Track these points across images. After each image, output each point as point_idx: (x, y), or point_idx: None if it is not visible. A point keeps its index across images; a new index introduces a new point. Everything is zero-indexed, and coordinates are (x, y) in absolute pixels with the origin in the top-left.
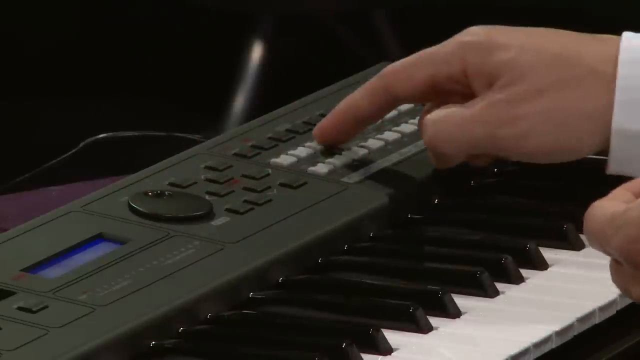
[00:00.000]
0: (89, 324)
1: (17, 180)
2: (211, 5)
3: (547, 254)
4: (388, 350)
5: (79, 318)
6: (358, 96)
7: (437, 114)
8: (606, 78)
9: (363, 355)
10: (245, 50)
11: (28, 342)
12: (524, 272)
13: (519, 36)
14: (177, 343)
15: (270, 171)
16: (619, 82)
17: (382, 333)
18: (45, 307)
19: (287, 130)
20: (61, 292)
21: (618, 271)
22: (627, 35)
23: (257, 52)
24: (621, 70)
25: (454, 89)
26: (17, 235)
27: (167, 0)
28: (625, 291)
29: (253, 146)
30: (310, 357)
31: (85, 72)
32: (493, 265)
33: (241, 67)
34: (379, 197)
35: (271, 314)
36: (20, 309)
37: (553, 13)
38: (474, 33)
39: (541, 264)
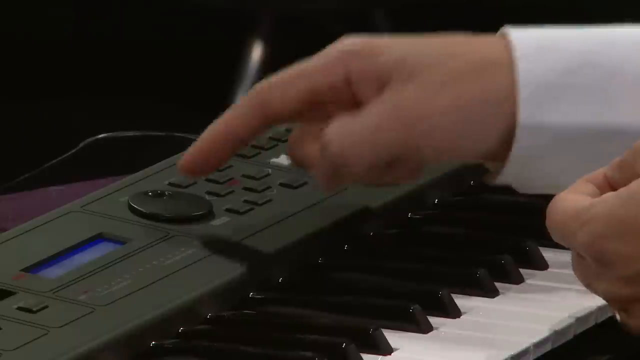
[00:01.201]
0: (89, 324)
1: (17, 180)
2: (211, 4)
3: (547, 254)
4: (388, 350)
5: (79, 318)
6: (229, 118)
7: (337, 130)
8: (503, 68)
9: (363, 355)
10: (245, 50)
11: (28, 342)
12: (524, 272)
13: (400, 41)
14: (177, 343)
15: (270, 171)
16: (521, 77)
17: (382, 333)
18: (45, 307)
19: (287, 130)
20: (61, 292)
21: (581, 265)
22: (508, 30)
23: (257, 52)
24: (520, 64)
25: (334, 101)
26: (17, 235)
27: (167, 0)
28: (588, 286)
29: (253, 146)
30: (310, 357)
31: (85, 72)
32: (493, 265)
33: (241, 67)
34: (378, 198)
35: (271, 314)
36: (20, 309)
37: (552, 12)
38: (352, 41)
39: (541, 264)
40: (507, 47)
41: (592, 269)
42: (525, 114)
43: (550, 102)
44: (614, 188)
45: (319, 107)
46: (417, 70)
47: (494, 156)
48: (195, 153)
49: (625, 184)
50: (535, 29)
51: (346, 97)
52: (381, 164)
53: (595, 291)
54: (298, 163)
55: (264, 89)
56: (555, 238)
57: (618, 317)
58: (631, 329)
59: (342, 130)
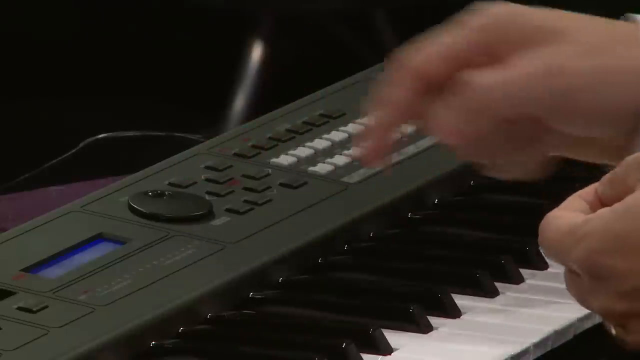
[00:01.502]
0: (89, 324)
1: (17, 180)
2: (211, 5)
3: None
4: (388, 350)
5: (79, 318)
6: (390, 97)
7: (484, 73)
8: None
9: (363, 355)
10: (245, 50)
11: (28, 342)
12: (524, 272)
13: (539, 10)
14: (177, 343)
15: (270, 171)
16: None
17: (382, 333)
18: (45, 307)
19: (287, 130)
20: (61, 292)
21: (575, 282)
22: (632, 15)
23: (257, 52)
24: None
25: (475, 60)
26: (17, 235)
27: (167, 0)
28: (582, 302)
29: (253, 146)
30: (310, 357)
31: (85, 72)
32: (493, 265)
33: (241, 67)
34: (379, 197)
35: (271, 314)
36: (20, 309)
37: None
38: (499, 3)
39: (541, 264)
40: (638, 27)
41: (587, 285)
42: None
43: None
44: (604, 204)
45: (461, 65)
46: (561, 35)
47: (624, 131)
48: (372, 142)
49: (616, 200)
50: None
51: (488, 56)
52: (523, 111)
53: (591, 307)
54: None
55: (418, 59)
56: (549, 256)
57: (614, 332)
58: (628, 345)
59: (489, 74)
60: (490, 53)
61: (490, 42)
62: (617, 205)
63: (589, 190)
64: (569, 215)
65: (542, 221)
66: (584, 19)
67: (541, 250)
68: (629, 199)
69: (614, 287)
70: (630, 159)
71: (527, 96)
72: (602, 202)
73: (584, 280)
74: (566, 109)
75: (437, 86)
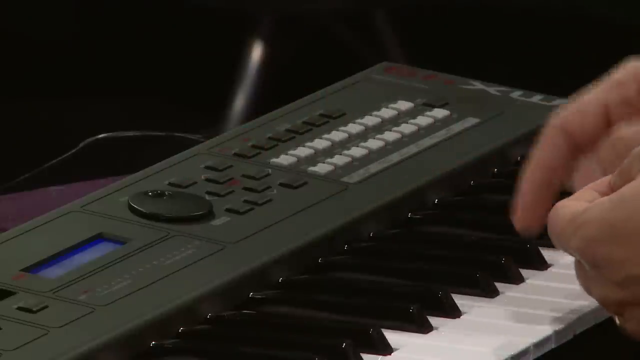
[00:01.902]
0: (89, 324)
1: (17, 180)
2: (211, 5)
3: (547, 254)
4: (388, 350)
5: (79, 318)
6: (540, 159)
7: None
8: None
9: (363, 355)
10: (245, 50)
11: (28, 342)
12: (524, 272)
13: None
14: (177, 343)
15: (270, 171)
16: None
17: (382, 333)
18: (45, 307)
19: (287, 130)
20: (61, 292)
21: (581, 270)
22: None
23: (257, 52)
24: None
25: (627, 115)
26: (17, 235)
27: (167, 0)
28: (587, 290)
29: (253, 146)
30: (310, 357)
31: (85, 72)
32: (493, 265)
33: (241, 67)
34: (379, 197)
35: (271, 314)
36: (20, 309)
37: (553, 14)
38: None
39: (541, 264)
40: None
41: (589, 274)
42: None
43: None
44: None
45: (612, 121)
46: None
47: None
48: (526, 206)
49: (620, 178)
50: None
51: (636, 110)
52: None
53: (593, 295)
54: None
55: (563, 117)
56: (557, 246)
57: (617, 321)
58: (628, 333)
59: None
60: (632, 107)
61: (630, 96)
62: (614, 195)
63: (603, 181)
64: (574, 204)
65: (551, 211)
66: None
67: (550, 239)
68: (625, 189)
69: (609, 275)
70: (637, 149)
71: None
72: (613, 192)
73: (586, 269)
74: None
75: (586, 144)
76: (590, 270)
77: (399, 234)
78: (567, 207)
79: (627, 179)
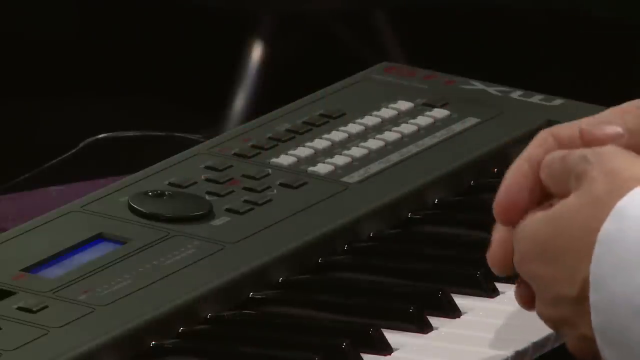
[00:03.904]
0: (89, 324)
1: (17, 180)
2: (211, 5)
3: None
4: (388, 350)
5: (79, 318)
6: (528, 151)
7: None
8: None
9: (363, 355)
10: (245, 50)
11: (28, 342)
12: None
13: None
14: (177, 343)
15: (270, 171)
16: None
17: (382, 333)
18: (45, 307)
19: (287, 130)
20: (61, 292)
21: (519, 288)
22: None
23: (257, 52)
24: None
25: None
26: (17, 235)
27: (167, 0)
28: (523, 306)
29: (253, 146)
30: (310, 357)
31: (85, 72)
32: None
33: (241, 67)
34: (379, 197)
35: (271, 314)
36: (20, 309)
37: (553, 14)
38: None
39: None
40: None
41: (530, 290)
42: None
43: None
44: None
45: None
46: None
47: None
48: (509, 195)
49: (557, 194)
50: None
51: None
52: None
53: (532, 310)
54: None
55: (555, 127)
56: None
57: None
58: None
59: None
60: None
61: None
62: (549, 210)
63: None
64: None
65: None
66: None
67: None
68: (558, 207)
69: (541, 293)
70: (572, 163)
71: None
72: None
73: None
74: None
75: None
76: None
77: (399, 234)
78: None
79: (562, 194)
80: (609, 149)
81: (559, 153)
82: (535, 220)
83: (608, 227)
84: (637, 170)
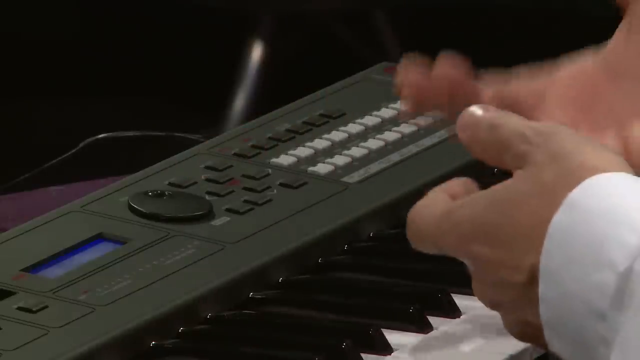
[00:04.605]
0: (89, 324)
1: (17, 180)
2: (211, 5)
3: None
4: (388, 350)
5: (79, 318)
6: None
7: None
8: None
9: (363, 355)
10: (245, 50)
11: (28, 342)
12: None
13: None
14: (177, 343)
15: (270, 171)
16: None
17: (382, 333)
18: (45, 307)
19: (287, 130)
20: (61, 292)
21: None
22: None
23: (257, 52)
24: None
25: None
26: (17, 235)
27: (167, 0)
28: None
29: (253, 146)
30: (310, 357)
31: (85, 72)
32: None
33: (241, 67)
34: (379, 197)
35: (271, 314)
36: (20, 309)
37: (552, 13)
38: None
39: None
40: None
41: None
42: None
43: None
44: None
45: None
46: None
47: None
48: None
49: (484, 159)
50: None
51: None
52: None
53: (474, 291)
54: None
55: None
56: (421, 245)
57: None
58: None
59: None
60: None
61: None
62: (487, 193)
63: (451, 183)
64: (440, 201)
65: (411, 212)
66: None
67: (411, 242)
68: (501, 190)
69: (483, 275)
70: (511, 132)
71: None
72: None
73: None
74: None
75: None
76: (469, 267)
77: (399, 234)
78: (430, 206)
79: (493, 163)
80: (551, 128)
81: (484, 118)
82: (475, 202)
83: (559, 219)
84: (585, 157)
